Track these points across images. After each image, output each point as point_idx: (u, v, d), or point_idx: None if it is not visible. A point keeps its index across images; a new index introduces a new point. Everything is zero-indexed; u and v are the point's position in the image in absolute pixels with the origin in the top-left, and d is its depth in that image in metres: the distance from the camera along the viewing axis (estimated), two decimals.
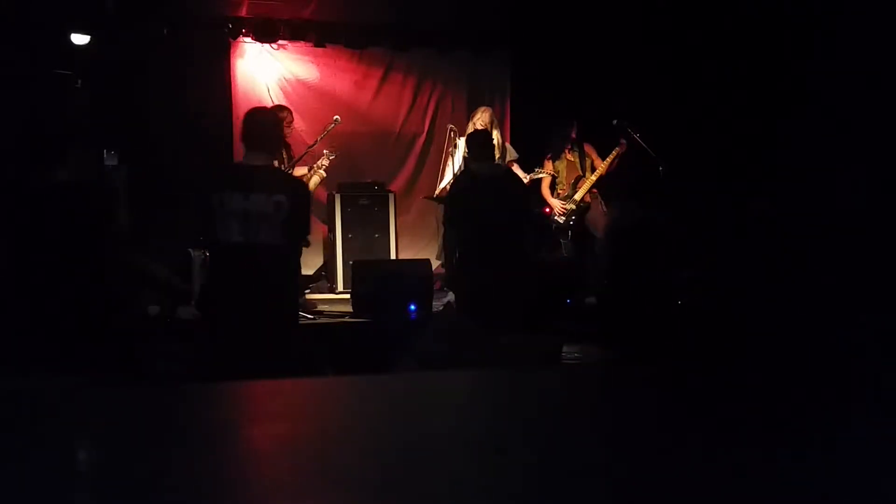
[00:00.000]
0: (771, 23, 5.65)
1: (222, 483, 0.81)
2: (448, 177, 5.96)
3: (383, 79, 7.36)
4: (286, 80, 7.09)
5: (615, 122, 5.97)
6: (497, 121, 6.08)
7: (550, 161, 6.13)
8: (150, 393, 1.31)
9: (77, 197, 3.51)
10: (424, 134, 7.44)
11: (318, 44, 7.07)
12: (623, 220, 4.48)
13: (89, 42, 6.02)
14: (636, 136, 5.91)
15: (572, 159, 6.08)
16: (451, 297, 5.02)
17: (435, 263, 5.86)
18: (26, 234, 3.45)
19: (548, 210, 6.32)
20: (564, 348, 4.01)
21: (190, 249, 5.50)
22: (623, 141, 5.91)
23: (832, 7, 5.15)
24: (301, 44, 7.09)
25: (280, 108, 5.68)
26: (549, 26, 6.86)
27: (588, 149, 6.10)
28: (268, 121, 3.44)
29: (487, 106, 7.05)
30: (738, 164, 5.91)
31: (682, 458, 0.88)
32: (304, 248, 3.84)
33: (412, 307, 4.70)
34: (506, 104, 7.70)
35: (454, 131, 6.25)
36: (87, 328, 3.31)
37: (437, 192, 6.45)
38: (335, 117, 6.15)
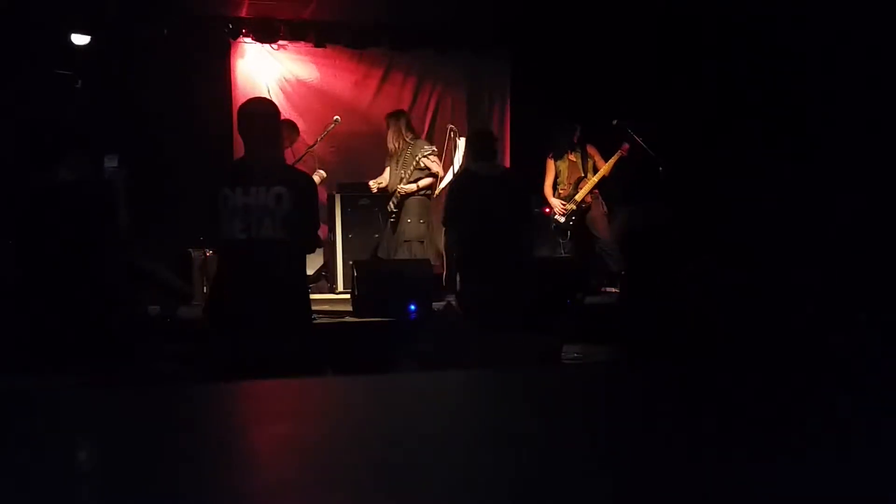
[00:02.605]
0: (771, 23, 5.65)
1: (222, 483, 0.81)
2: (448, 177, 5.97)
3: (383, 79, 7.36)
4: (286, 81, 7.10)
5: (615, 122, 5.98)
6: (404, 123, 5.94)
7: (552, 160, 6.13)
8: (150, 393, 1.31)
9: (77, 197, 3.51)
10: (424, 134, 7.44)
11: (318, 44, 7.07)
12: (634, 223, 4.48)
13: (89, 42, 6.03)
14: (636, 137, 5.92)
15: (574, 160, 6.09)
16: (451, 297, 5.03)
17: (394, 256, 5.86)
18: (27, 235, 3.45)
19: (548, 210, 6.32)
20: (564, 348, 4.01)
21: (190, 249, 5.51)
22: (626, 144, 5.90)
23: (833, 8, 5.15)
24: (301, 44, 7.09)
25: (286, 123, 5.63)
26: (549, 26, 6.86)
27: (591, 150, 6.11)
28: (263, 111, 3.25)
29: (489, 109, 7.05)
30: (737, 163, 5.91)
31: (682, 459, 0.88)
32: (316, 248, 3.73)
33: (412, 307, 4.70)
34: (506, 104, 7.71)
35: (454, 131, 6.25)
36: (87, 328, 3.30)
37: (436, 192, 6.46)
38: (335, 117, 6.16)
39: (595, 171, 6.06)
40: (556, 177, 6.13)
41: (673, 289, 4.17)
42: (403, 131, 5.87)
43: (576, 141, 6.07)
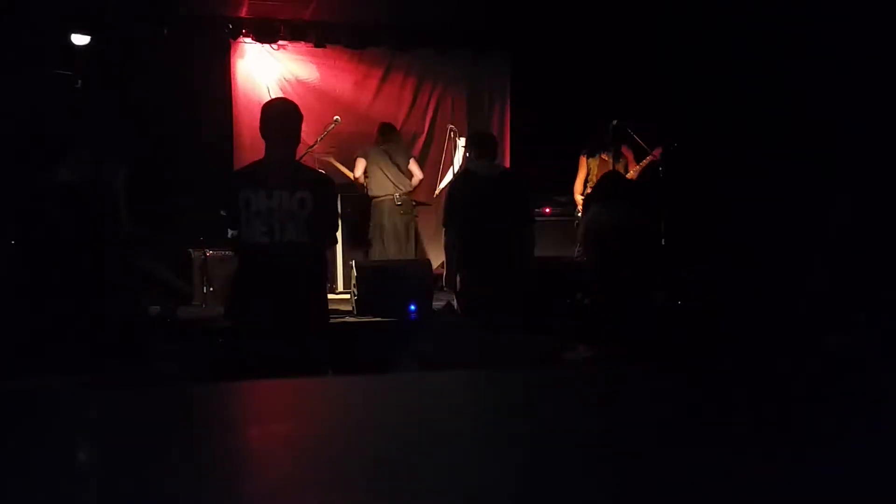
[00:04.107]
0: (771, 23, 5.65)
1: (222, 483, 0.81)
2: (448, 177, 5.98)
3: (383, 79, 7.37)
4: (286, 81, 7.10)
5: (615, 122, 5.95)
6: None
7: (585, 157, 6.06)
8: (150, 393, 1.31)
9: (78, 197, 3.51)
10: (424, 134, 7.45)
11: (318, 44, 7.08)
12: (603, 220, 4.47)
13: (89, 42, 6.03)
14: (636, 137, 5.90)
15: (607, 159, 5.99)
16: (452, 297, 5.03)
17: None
18: (27, 235, 3.45)
19: (548, 210, 6.30)
20: (565, 348, 4.01)
21: (190, 249, 5.51)
22: (659, 149, 5.82)
23: (833, 8, 5.16)
24: (301, 44, 7.10)
25: None
26: (549, 26, 6.86)
27: (625, 150, 6.00)
28: (289, 112, 3.24)
29: (489, 109, 7.02)
30: (737, 163, 5.91)
31: (681, 458, 0.88)
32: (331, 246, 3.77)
33: (412, 307, 4.71)
34: (506, 104, 7.71)
35: (454, 131, 6.26)
36: (87, 328, 3.31)
37: (436, 192, 6.46)
38: (335, 118, 6.16)
39: (626, 171, 5.99)
40: (587, 174, 6.05)
41: (625, 288, 4.17)
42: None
43: (609, 140, 6.00)
